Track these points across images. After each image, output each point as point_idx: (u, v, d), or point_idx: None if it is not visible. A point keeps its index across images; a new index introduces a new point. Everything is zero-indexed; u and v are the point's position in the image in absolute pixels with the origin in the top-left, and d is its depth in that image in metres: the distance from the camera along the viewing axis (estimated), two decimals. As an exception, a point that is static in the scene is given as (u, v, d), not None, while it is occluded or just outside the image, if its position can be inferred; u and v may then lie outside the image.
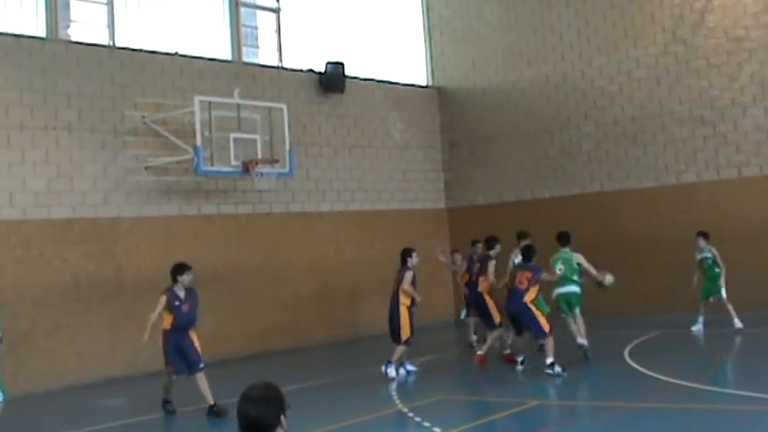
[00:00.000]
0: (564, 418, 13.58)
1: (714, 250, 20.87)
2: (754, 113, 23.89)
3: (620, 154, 25.81)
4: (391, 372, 17.37)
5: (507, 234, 26.75)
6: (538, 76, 27.43)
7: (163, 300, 15.24)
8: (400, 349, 17.51)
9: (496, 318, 18.25)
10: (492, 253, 18.73)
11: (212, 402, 14.90)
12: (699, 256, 21.16)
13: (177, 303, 15.26)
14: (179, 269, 15.48)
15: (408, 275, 17.66)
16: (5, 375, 18.45)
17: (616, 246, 24.00)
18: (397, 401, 14.98)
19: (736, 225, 22.80)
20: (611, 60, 26.10)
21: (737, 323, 20.39)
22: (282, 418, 5.41)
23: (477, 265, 19.00)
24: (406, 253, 18.09)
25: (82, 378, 19.26)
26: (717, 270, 20.77)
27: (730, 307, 20.58)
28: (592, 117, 26.38)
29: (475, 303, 19.03)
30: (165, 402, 15.64)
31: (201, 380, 15.13)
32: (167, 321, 15.23)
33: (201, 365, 15.20)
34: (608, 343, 20.07)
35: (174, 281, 15.40)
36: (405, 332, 17.45)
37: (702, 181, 24.53)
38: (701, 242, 21.01)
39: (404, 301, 17.53)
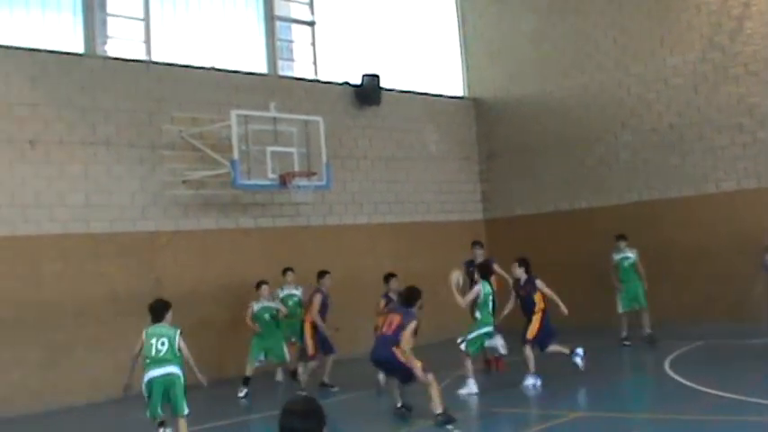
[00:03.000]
0: (607, 430, 13.46)
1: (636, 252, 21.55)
2: (794, 120, 23.70)
3: (659, 163, 25.60)
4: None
5: (545, 246, 26.73)
6: (574, 86, 27.29)
7: (318, 298, 18.57)
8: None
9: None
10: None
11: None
12: (617, 257, 21.84)
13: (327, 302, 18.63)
14: (324, 273, 18.94)
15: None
16: (47, 387, 18.66)
17: (655, 256, 23.71)
18: (438, 414, 14.88)
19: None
20: (648, 68, 25.92)
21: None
22: (325, 430, 5.46)
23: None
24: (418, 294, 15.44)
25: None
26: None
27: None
28: (629, 126, 26.20)
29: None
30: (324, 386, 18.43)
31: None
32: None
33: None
34: (649, 354, 19.94)
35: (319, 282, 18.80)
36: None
37: (743, 189, 24.27)
38: (622, 243, 21.80)
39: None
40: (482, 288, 17.38)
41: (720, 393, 14.73)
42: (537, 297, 17.66)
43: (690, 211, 24.60)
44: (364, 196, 25.54)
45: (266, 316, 19.26)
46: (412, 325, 14.57)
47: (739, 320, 22.08)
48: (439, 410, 14.19)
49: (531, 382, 17.05)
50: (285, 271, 20.34)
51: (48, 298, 19.12)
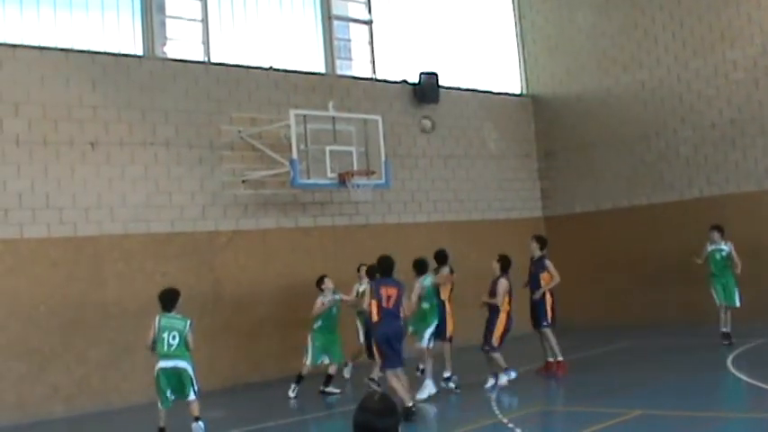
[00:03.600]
0: (669, 428, 13.36)
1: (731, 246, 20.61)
2: None
3: (719, 158, 25.34)
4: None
5: (604, 243, 26.59)
6: (633, 82, 27.10)
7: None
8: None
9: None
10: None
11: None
12: (710, 249, 20.85)
13: None
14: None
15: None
16: (109, 386, 18.87)
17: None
18: (497, 412, 14.88)
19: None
20: (707, 63, 25.66)
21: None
22: (400, 428, 5.48)
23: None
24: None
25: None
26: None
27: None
28: (689, 121, 25.96)
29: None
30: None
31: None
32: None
33: None
34: (711, 352, 19.75)
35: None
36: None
37: (805, 184, 24.03)
38: (715, 234, 20.78)
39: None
40: (422, 282, 17.40)
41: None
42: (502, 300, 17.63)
43: (752, 207, 24.32)
44: (423, 195, 25.55)
45: (333, 310, 18.87)
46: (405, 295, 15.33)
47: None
48: (410, 403, 14.69)
49: (503, 379, 17.26)
50: (361, 267, 19.96)
51: (109, 298, 19.35)
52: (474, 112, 27.49)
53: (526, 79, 29.72)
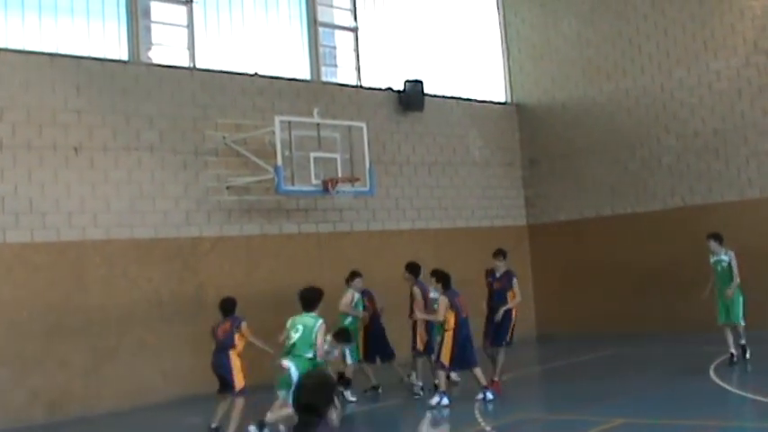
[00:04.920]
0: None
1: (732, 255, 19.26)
2: (840, 125, 23.47)
3: (702, 168, 25.42)
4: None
5: (588, 251, 26.64)
6: (617, 90, 27.17)
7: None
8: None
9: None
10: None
11: None
12: (711, 260, 19.53)
13: None
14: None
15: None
16: (92, 392, 18.81)
17: (699, 261, 23.51)
18: (480, 421, 14.89)
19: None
20: (691, 73, 25.76)
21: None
22: (332, 408, 5.79)
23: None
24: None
25: (167, 396, 19.43)
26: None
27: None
28: (672, 130, 26.04)
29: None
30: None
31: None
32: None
33: None
34: (693, 360, 19.79)
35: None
36: None
37: (788, 194, 24.11)
38: (713, 244, 19.47)
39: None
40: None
41: (763, 399, 14.62)
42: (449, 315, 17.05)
43: (734, 217, 24.36)
44: (407, 202, 25.56)
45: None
46: (244, 325, 15.43)
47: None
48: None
49: (435, 399, 16.66)
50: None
51: (92, 303, 19.27)
52: (458, 120, 27.52)
53: (511, 87, 29.76)
